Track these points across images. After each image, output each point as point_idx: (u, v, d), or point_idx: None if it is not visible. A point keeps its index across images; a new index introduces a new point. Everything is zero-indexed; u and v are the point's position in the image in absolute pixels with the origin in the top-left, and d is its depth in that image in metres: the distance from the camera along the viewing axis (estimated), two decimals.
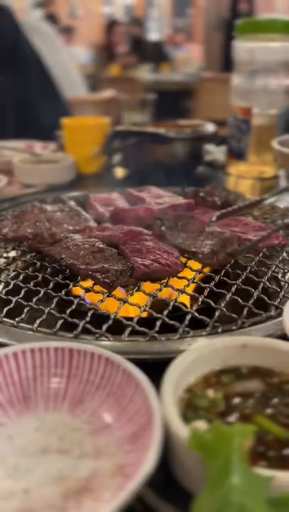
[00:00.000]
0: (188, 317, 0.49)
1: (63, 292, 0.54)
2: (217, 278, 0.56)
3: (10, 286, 0.57)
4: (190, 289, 0.55)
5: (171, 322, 0.49)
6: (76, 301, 0.53)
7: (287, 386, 0.39)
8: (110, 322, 0.49)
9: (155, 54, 5.49)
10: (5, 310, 0.52)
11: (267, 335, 0.48)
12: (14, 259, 0.64)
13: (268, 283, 0.56)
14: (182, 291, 0.54)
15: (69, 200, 0.78)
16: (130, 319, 0.49)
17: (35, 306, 0.53)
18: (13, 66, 1.66)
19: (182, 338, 0.47)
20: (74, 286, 0.55)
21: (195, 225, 0.65)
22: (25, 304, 0.53)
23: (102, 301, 0.52)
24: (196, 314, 0.50)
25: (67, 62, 2.17)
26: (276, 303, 0.52)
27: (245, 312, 0.50)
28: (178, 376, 0.37)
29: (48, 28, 2.26)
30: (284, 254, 0.62)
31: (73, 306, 0.52)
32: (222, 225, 0.65)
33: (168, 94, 3.68)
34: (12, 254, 0.66)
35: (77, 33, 6.38)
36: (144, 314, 0.51)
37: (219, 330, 0.48)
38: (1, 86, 1.62)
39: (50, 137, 1.37)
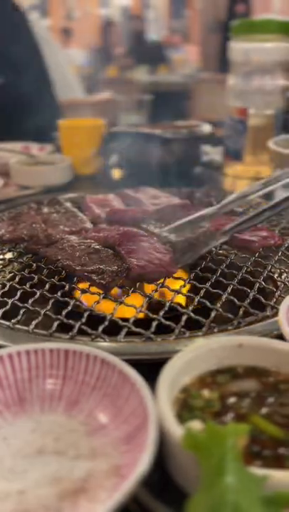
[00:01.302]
0: (184, 318, 0.49)
1: (59, 294, 0.54)
2: (213, 278, 0.56)
3: (6, 288, 0.57)
4: (186, 290, 0.55)
5: (168, 323, 0.49)
6: (72, 302, 0.53)
7: (283, 386, 0.39)
8: (106, 323, 0.49)
9: (152, 55, 5.49)
10: (1, 312, 0.52)
11: (263, 335, 0.48)
12: (10, 260, 0.64)
13: (263, 283, 0.56)
14: (178, 292, 0.54)
15: (65, 202, 0.78)
16: (126, 320, 0.49)
17: (31, 307, 0.53)
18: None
19: (178, 339, 0.47)
20: (70, 287, 0.55)
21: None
22: (21, 305, 0.53)
23: (98, 302, 0.52)
24: (192, 315, 0.50)
25: (64, 63, 2.16)
26: (272, 303, 0.52)
27: (241, 312, 0.50)
28: (173, 376, 0.37)
29: (45, 29, 2.26)
30: (280, 254, 0.62)
31: (69, 308, 0.52)
32: (217, 225, 0.65)
33: (165, 96, 3.68)
34: (8, 255, 0.66)
35: (75, 34, 6.39)
36: (141, 315, 0.51)
37: (215, 330, 0.48)
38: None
39: (47, 139, 1.36)
